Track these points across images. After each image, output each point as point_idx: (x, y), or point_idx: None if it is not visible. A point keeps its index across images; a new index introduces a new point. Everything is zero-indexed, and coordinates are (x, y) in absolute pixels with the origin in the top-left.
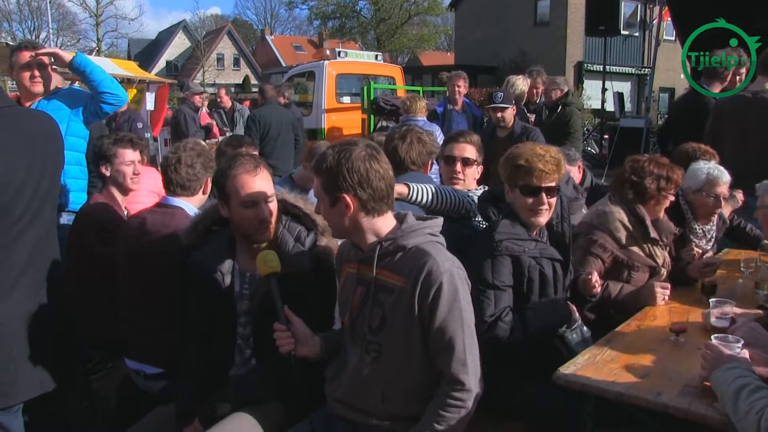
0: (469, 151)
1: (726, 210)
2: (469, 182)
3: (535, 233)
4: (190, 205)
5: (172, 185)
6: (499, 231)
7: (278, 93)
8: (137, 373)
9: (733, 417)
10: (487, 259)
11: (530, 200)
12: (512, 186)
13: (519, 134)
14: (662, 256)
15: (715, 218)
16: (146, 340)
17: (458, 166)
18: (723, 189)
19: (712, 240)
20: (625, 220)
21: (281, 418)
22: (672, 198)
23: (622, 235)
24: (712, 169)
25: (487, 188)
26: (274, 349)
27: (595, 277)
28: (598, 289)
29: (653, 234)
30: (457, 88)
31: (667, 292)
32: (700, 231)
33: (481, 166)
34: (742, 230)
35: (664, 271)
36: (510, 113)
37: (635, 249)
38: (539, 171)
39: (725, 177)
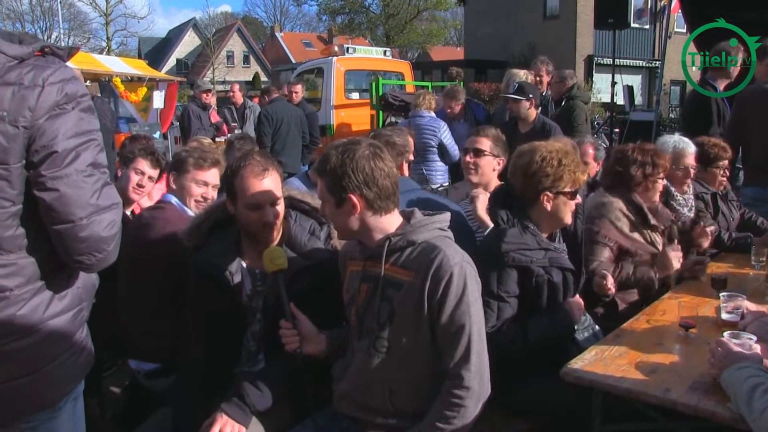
0: (482, 142)
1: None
2: (486, 173)
3: (546, 236)
4: (176, 199)
5: None
6: (506, 241)
7: (289, 89)
8: (138, 372)
9: (748, 416)
10: (493, 270)
11: None
12: None
13: (539, 130)
14: (661, 242)
15: (690, 187)
16: (143, 336)
17: (468, 157)
18: (690, 160)
19: (693, 208)
20: (624, 208)
21: (286, 416)
22: (662, 182)
23: (624, 223)
24: (677, 142)
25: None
26: (284, 346)
27: (610, 281)
28: (613, 290)
29: (653, 221)
30: (449, 110)
31: (680, 254)
32: (682, 199)
33: (500, 159)
34: (753, 223)
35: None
36: (524, 106)
37: (637, 236)
38: None
39: (690, 148)
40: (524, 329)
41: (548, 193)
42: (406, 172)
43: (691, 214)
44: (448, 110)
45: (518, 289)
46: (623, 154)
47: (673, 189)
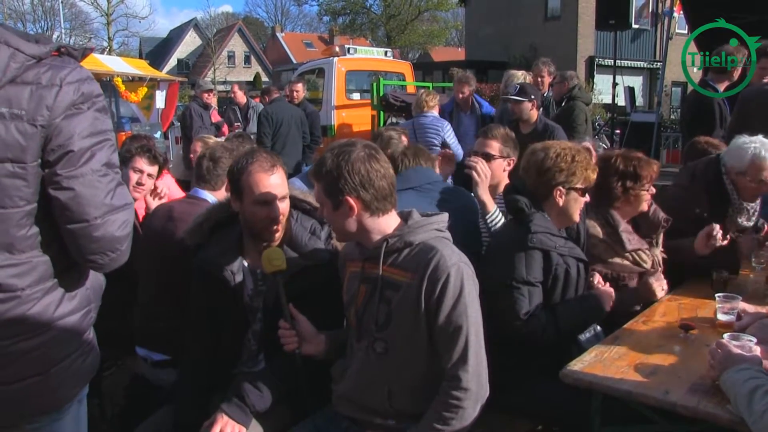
0: (491, 146)
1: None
2: (497, 175)
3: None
4: (216, 200)
5: (196, 177)
6: (534, 223)
7: (290, 88)
8: (144, 360)
9: (748, 418)
10: (519, 253)
11: None
12: None
13: (541, 131)
14: (650, 257)
15: (759, 199)
16: (156, 326)
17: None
18: None
19: (755, 214)
20: (600, 233)
21: (285, 416)
22: (649, 193)
23: (600, 250)
24: (759, 149)
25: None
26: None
27: (598, 278)
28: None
29: (629, 246)
30: (461, 95)
31: (664, 283)
32: (745, 209)
33: (511, 159)
34: (754, 225)
35: (657, 269)
36: (525, 107)
37: (617, 260)
38: None
39: None
40: (555, 316)
41: (561, 188)
42: None
43: (750, 224)
44: (460, 95)
45: (542, 275)
46: (606, 162)
47: (739, 201)
